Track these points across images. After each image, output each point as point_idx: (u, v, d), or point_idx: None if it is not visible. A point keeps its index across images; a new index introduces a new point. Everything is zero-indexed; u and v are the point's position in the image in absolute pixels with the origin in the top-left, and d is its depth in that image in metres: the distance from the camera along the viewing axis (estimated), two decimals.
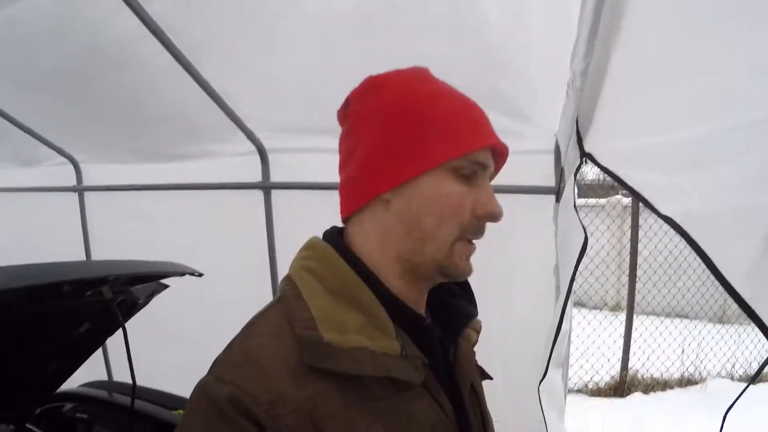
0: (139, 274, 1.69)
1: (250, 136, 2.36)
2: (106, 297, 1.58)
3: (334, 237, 0.84)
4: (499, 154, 0.84)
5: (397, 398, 0.74)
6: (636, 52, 1.19)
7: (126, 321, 1.94)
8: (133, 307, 1.86)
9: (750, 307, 1.40)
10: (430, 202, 0.77)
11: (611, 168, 1.51)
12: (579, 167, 1.66)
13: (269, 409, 0.66)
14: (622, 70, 1.24)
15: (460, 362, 0.88)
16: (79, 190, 3.25)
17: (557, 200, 2.12)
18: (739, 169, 1.36)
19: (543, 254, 2.11)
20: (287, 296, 0.77)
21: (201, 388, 0.70)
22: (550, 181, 2.14)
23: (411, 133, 0.77)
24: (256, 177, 2.50)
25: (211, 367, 0.73)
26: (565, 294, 1.81)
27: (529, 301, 2.19)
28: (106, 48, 1.95)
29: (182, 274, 1.83)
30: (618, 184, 1.52)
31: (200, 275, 1.87)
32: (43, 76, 2.28)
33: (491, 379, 1.02)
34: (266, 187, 2.50)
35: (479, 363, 0.99)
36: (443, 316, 0.89)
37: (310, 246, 0.83)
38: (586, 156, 1.56)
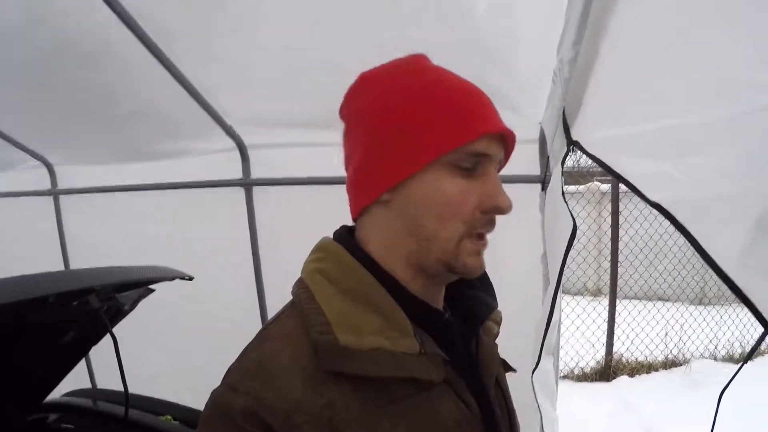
0: (128, 281, 1.64)
1: (230, 132, 2.30)
2: (94, 306, 1.54)
3: (345, 237, 0.83)
4: (506, 139, 0.79)
5: (420, 398, 0.72)
6: (627, 39, 1.17)
7: (112, 328, 1.89)
8: (118, 314, 1.82)
9: (743, 292, 1.41)
10: (426, 203, 0.74)
11: (599, 156, 1.50)
12: (566, 155, 1.65)
13: (286, 419, 0.64)
14: (612, 58, 1.23)
15: (483, 356, 0.86)
16: (54, 193, 3.16)
17: (543, 189, 2.12)
18: (728, 156, 1.35)
19: (530, 244, 2.10)
20: (300, 300, 0.75)
21: (214, 399, 0.69)
22: (535, 170, 2.13)
23: (398, 132, 0.74)
24: (238, 174, 2.45)
25: (224, 377, 0.71)
26: (555, 283, 1.81)
27: (517, 290, 2.15)
28: (77, 41, 1.87)
29: (172, 279, 1.78)
30: (606, 171, 1.51)
31: (190, 279, 1.83)
32: (11, 74, 2.19)
33: (515, 371, 1.01)
34: (247, 184, 2.45)
35: (501, 356, 0.97)
36: (463, 308, 0.86)
37: (321, 247, 0.82)
38: (573, 144, 1.55)
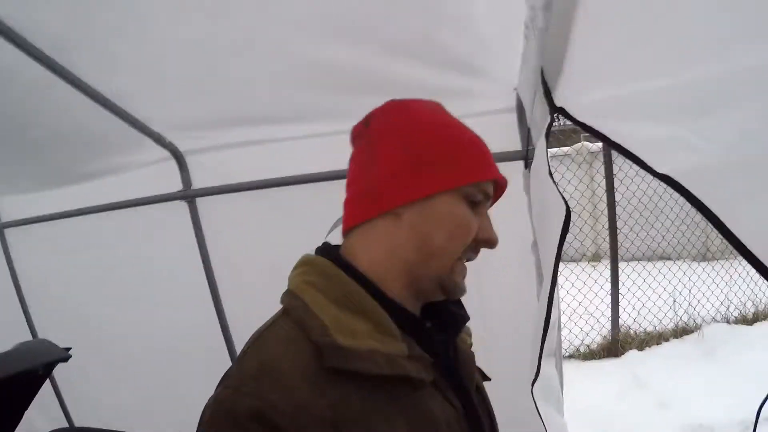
0: None
1: (160, 140, 2.00)
2: None
3: (329, 250, 0.89)
4: (498, 187, 0.94)
5: (414, 397, 0.77)
6: None
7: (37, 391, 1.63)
8: (35, 380, 1.54)
9: None
10: (443, 220, 0.84)
11: (591, 123, 1.26)
12: (550, 125, 1.39)
13: (292, 419, 0.66)
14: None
15: (462, 362, 0.94)
16: None
17: (526, 166, 1.85)
18: (753, 113, 1.14)
19: (516, 231, 1.82)
20: (294, 308, 0.79)
21: (216, 403, 0.70)
22: (516, 145, 1.87)
23: (434, 154, 0.85)
24: (178, 186, 2.17)
25: (222, 381, 0.74)
26: (550, 278, 1.56)
27: (506, 286, 1.98)
28: None
29: (42, 364, 1.49)
30: (601, 141, 1.29)
31: (66, 360, 1.52)
32: None
33: (489, 380, 1.07)
34: (189, 196, 2.17)
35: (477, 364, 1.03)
36: (437, 318, 0.93)
37: (306, 262, 0.88)
38: (557, 111, 1.30)
